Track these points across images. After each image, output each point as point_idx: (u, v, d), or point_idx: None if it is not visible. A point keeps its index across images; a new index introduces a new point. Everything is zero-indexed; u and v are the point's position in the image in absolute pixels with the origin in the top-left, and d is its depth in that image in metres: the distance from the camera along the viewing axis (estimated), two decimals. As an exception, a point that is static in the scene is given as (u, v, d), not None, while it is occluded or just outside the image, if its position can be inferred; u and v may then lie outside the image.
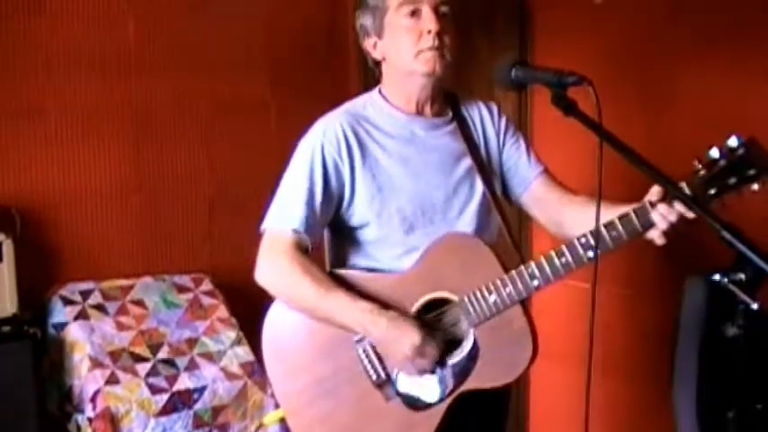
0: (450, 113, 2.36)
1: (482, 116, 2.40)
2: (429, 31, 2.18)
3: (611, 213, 2.05)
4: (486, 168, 2.34)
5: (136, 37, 4.04)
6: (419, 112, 2.32)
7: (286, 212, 2.24)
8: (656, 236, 2.02)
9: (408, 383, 2.20)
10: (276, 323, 2.33)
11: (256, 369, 3.78)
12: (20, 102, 3.76)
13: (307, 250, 2.23)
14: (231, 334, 3.90)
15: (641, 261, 3.41)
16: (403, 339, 2.12)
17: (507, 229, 2.32)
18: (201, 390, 3.64)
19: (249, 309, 4.09)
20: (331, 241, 2.40)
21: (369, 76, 4.48)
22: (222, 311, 3.99)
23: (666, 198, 1.97)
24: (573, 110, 1.82)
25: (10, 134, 3.74)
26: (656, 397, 3.24)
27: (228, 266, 4.28)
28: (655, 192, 2.00)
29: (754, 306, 1.78)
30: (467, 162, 2.31)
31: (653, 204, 1.99)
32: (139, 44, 4.05)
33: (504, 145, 2.39)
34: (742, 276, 1.79)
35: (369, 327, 2.15)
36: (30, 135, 3.79)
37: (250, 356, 3.83)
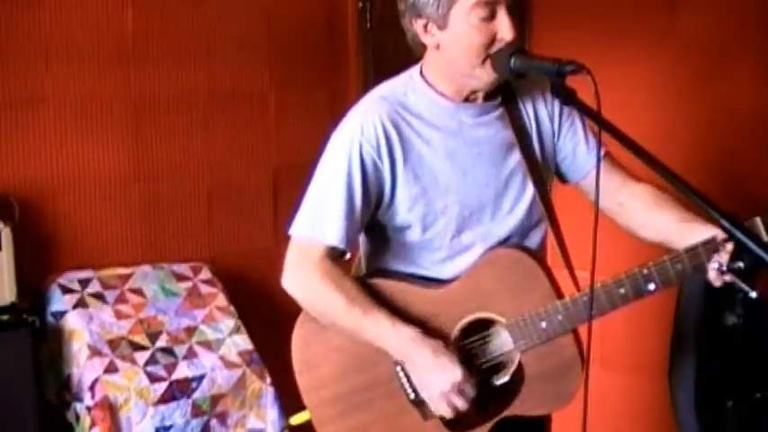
0: (500, 97, 2.12)
1: (534, 97, 2.17)
2: (501, 40, 1.95)
3: (678, 228, 2.01)
4: (538, 163, 2.14)
5: (135, 26, 4.03)
6: (467, 100, 2.09)
7: (320, 224, 2.04)
8: (712, 276, 1.91)
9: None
10: (307, 329, 2.17)
11: (255, 358, 3.78)
12: (19, 91, 3.75)
13: (341, 257, 2.08)
14: (230, 322, 3.90)
15: (639, 250, 3.40)
16: (443, 374, 2.00)
17: (555, 231, 2.16)
18: (200, 378, 3.64)
19: (248, 297, 4.12)
20: (366, 243, 2.23)
21: (368, 65, 4.53)
22: (221, 300, 3.99)
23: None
24: (571, 98, 1.82)
25: (9, 123, 3.73)
26: (654, 387, 3.24)
27: (227, 255, 4.29)
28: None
29: (753, 295, 1.78)
30: (517, 154, 2.11)
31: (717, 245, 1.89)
32: (138, 34, 4.04)
33: (560, 130, 2.18)
34: (741, 265, 1.78)
35: (409, 356, 2.03)
36: (28, 124, 3.78)
37: (249, 345, 3.83)
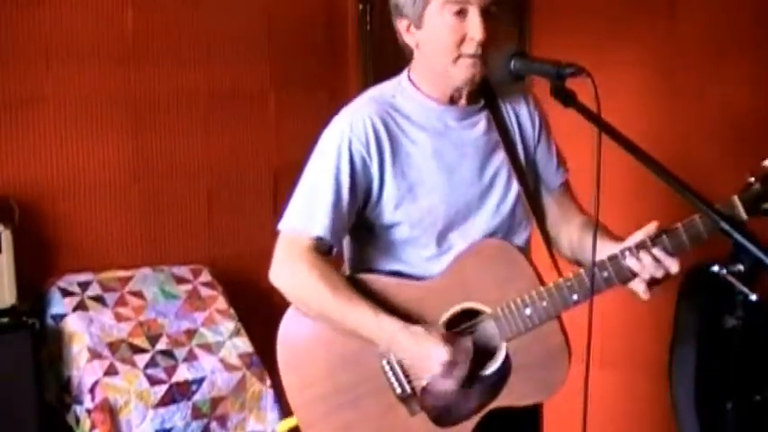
0: (483, 101, 2.17)
1: (518, 104, 2.22)
2: (472, 39, 1.99)
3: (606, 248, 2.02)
4: (521, 163, 2.19)
5: (135, 26, 4.03)
6: (451, 102, 2.13)
7: (309, 216, 2.07)
8: (640, 290, 2.01)
9: (436, 398, 2.09)
10: (291, 330, 2.17)
11: (255, 360, 3.78)
12: (19, 91, 3.75)
13: (329, 252, 2.11)
14: (230, 325, 3.90)
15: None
16: (430, 357, 2.01)
17: (542, 231, 2.21)
18: (200, 381, 3.64)
19: (248, 300, 4.12)
20: (353, 240, 2.23)
21: (368, 66, 4.53)
22: (221, 303, 3.99)
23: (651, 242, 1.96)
24: (572, 101, 1.82)
25: (9, 124, 3.73)
26: (654, 389, 3.24)
27: (227, 258, 4.29)
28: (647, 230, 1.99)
29: (753, 297, 1.78)
30: (501, 154, 2.17)
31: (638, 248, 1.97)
32: (138, 34, 4.04)
33: (537, 142, 2.25)
34: (740, 267, 1.79)
35: (394, 345, 2.04)
36: (28, 125, 3.78)
37: (249, 347, 3.83)
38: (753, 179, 1.90)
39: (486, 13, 2.00)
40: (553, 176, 2.27)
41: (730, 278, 1.84)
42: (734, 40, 3.24)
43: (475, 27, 1.99)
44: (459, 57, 2.03)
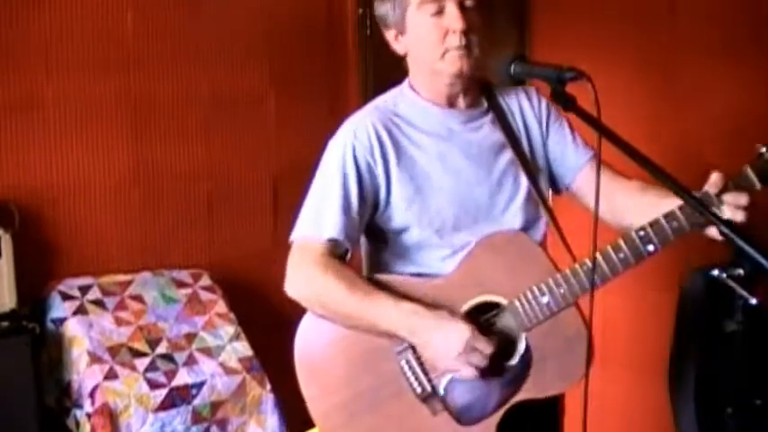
0: (485, 104, 2.21)
1: (521, 104, 2.24)
2: (454, 31, 2.05)
3: (669, 203, 1.98)
4: (529, 161, 2.20)
5: (134, 29, 4.03)
6: (452, 105, 2.18)
7: (319, 221, 2.09)
8: (715, 232, 1.92)
9: (458, 395, 2.07)
10: (308, 339, 2.17)
11: (255, 364, 3.78)
12: (18, 95, 3.74)
13: (343, 256, 2.10)
14: (230, 329, 3.90)
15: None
16: (451, 337, 1.99)
17: (555, 225, 2.19)
18: (200, 385, 3.64)
19: (248, 304, 4.12)
20: (368, 249, 2.26)
21: (368, 71, 4.53)
22: (221, 306, 3.99)
23: (728, 187, 1.93)
24: (572, 106, 1.82)
25: (8, 128, 3.72)
26: (655, 392, 3.24)
27: (227, 261, 4.28)
28: (714, 182, 1.95)
29: (753, 301, 1.79)
30: (508, 154, 2.18)
31: (717, 196, 1.92)
32: (138, 37, 4.04)
33: (548, 133, 2.25)
34: (741, 272, 1.79)
35: (414, 330, 2.02)
36: (29, 129, 3.78)
37: (248, 351, 3.83)
38: (765, 149, 1.91)
39: (462, 7, 2.06)
40: (575, 156, 2.25)
41: (730, 282, 1.85)
42: (734, 40, 3.24)
43: (453, 19, 2.05)
44: (445, 52, 2.08)
